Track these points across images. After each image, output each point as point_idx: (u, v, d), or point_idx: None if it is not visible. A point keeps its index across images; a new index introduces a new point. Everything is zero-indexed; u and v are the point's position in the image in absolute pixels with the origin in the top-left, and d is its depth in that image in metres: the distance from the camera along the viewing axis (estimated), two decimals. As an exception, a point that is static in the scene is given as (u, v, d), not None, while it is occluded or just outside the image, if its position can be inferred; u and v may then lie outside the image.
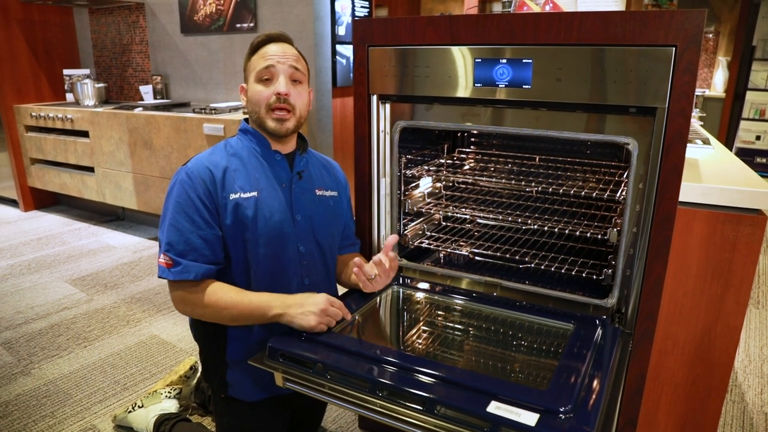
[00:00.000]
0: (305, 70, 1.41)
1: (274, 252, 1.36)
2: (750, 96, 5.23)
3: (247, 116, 1.46)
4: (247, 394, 1.42)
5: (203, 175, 1.30)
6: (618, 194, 1.52)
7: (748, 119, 5.28)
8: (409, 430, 1.03)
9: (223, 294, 1.29)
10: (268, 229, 1.34)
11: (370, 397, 1.07)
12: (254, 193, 1.33)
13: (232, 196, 1.31)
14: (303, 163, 1.45)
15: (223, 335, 1.39)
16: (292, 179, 1.41)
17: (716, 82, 5.77)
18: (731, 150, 5.02)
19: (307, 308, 1.24)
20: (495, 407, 0.97)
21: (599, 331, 1.27)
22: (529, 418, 0.94)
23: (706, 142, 1.85)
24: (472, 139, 2.06)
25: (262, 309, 1.28)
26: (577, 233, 1.51)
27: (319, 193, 1.47)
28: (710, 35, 5.77)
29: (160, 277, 1.30)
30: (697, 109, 3.17)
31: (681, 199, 1.22)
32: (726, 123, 5.62)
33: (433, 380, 1.06)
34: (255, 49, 1.38)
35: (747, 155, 5.28)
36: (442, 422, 0.99)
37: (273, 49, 1.35)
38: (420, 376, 1.08)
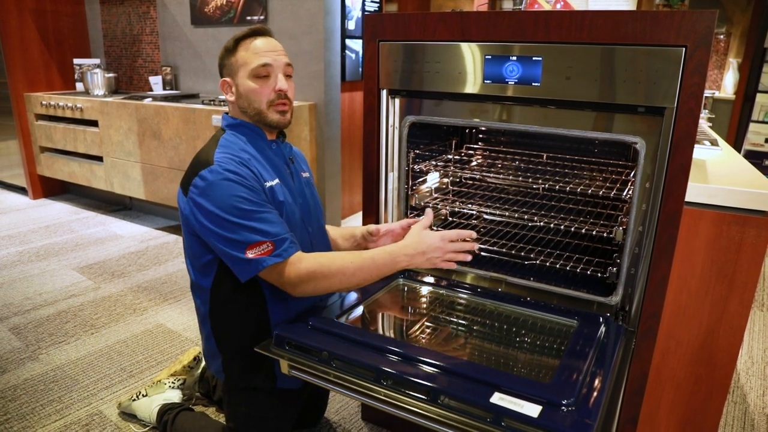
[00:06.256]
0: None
1: (297, 235, 1.39)
2: (760, 98, 5.19)
3: (227, 111, 1.47)
4: (292, 382, 1.43)
5: (241, 169, 1.28)
6: (624, 193, 1.52)
7: (757, 122, 5.24)
8: (412, 419, 1.04)
9: (342, 261, 1.26)
10: (291, 214, 1.38)
11: (375, 386, 1.09)
12: (276, 180, 1.37)
13: (267, 183, 1.34)
14: (288, 150, 1.50)
15: (266, 327, 1.39)
16: (289, 165, 1.47)
17: (726, 83, 5.74)
18: (740, 152, 5.00)
19: (429, 255, 1.28)
20: (498, 398, 0.98)
21: (602, 328, 1.28)
22: (532, 409, 0.96)
23: (714, 143, 1.85)
24: (480, 136, 2.07)
25: (388, 266, 1.28)
26: (583, 231, 1.52)
27: (305, 175, 1.54)
28: (721, 36, 5.73)
29: (264, 267, 1.24)
30: (706, 111, 3.15)
31: (687, 199, 1.23)
32: (735, 125, 5.58)
33: (438, 371, 1.08)
34: (239, 43, 1.38)
35: (755, 158, 5.25)
36: (445, 412, 1.01)
37: (264, 45, 1.37)
38: (424, 366, 1.09)
